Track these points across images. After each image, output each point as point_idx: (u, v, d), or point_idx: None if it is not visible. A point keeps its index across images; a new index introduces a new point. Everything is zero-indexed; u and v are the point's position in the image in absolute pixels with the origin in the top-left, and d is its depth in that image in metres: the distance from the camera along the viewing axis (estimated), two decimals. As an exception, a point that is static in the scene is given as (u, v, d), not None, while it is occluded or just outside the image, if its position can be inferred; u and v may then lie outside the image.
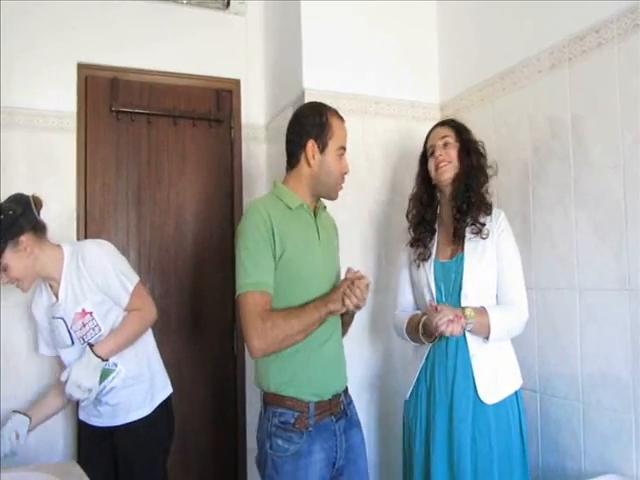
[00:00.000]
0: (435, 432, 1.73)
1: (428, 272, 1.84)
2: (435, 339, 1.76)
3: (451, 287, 1.79)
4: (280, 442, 1.58)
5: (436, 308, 1.66)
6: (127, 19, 2.48)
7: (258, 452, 1.65)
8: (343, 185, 1.74)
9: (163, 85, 2.57)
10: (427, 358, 1.81)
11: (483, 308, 1.73)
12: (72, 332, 1.90)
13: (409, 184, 2.38)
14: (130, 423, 1.92)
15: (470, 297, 1.75)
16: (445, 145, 1.85)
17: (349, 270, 1.60)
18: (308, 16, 2.34)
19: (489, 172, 1.87)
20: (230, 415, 2.61)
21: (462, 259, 1.78)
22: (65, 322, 1.90)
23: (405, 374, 1.94)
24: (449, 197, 1.86)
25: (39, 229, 1.87)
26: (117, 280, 1.89)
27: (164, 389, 2.02)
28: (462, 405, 1.71)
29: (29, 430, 1.87)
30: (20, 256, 1.81)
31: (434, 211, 1.94)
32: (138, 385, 1.93)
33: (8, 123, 2.26)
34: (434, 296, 1.80)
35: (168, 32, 2.56)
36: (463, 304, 1.74)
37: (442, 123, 1.96)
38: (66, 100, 2.37)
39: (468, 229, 1.79)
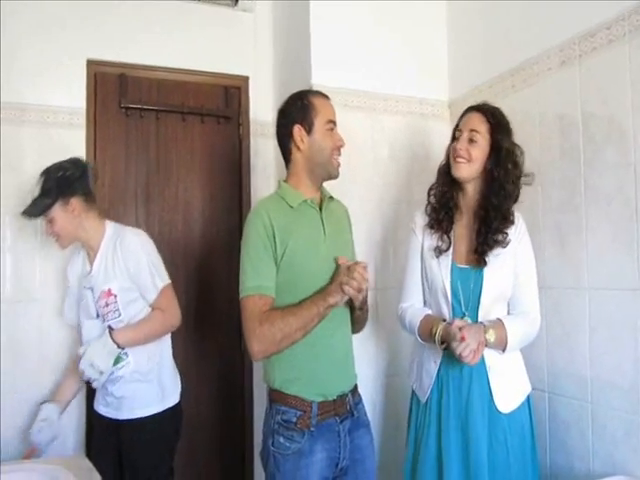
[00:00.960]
0: (449, 443, 1.69)
1: (445, 275, 1.74)
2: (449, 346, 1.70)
3: (469, 296, 1.72)
4: (282, 440, 1.58)
5: (463, 337, 1.57)
6: (136, 15, 2.49)
7: (262, 447, 1.65)
8: (340, 160, 1.70)
9: (172, 82, 2.57)
10: (440, 364, 1.75)
11: (500, 322, 1.68)
12: (96, 306, 1.94)
13: (417, 181, 2.37)
14: (135, 420, 1.92)
15: (486, 308, 1.71)
16: (471, 141, 1.72)
17: (340, 260, 1.59)
18: (317, 13, 2.33)
19: (523, 181, 1.77)
20: (237, 411, 2.62)
21: (482, 269, 1.71)
22: (93, 294, 1.94)
23: (411, 374, 1.93)
24: (471, 200, 1.78)
25: (90, 198, 1.96)
26: (148, 272, 1.92)
27: (172, 395, 1.99)
28: (478, 416, 1.68)
29: (60, 414, 1.97)
30: (67, 215, 1.91)
31: (456, 199, 1.81)
32: (144, 383, 1.93)
33: (19, 119, 2.27)
34: (450, 303, 1.73)
35: (177, 29, 2.56)
36: (480, 315, 1.70)
37: (479, 108, 1.76)
38: (76, 96, 2.37)
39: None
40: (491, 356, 1.70)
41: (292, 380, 1.61)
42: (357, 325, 1.78)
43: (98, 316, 1.94)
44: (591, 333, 1.83)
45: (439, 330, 1.68)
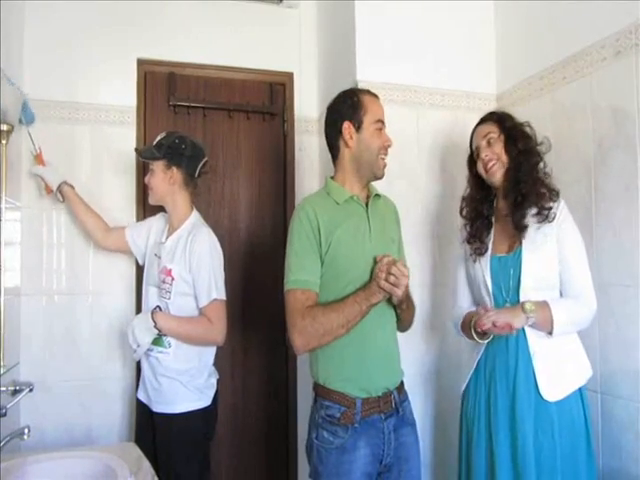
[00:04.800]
0: (497, 430, 1.69)
1: (484, 267, 1.79)
2: (489, 337, 1.72)
3: (509, 282, 1.74)
4: (326, 434, 1.59)
5: (485, 309, 1.67)
6: (183, 14, 2.53)
7: (307, 438, 1.67)
8: (386, 160, 1.71)
9: (218, 79, 2.62)
10: (484, 353, 1.78)
11: (545, 302, 1.67)
12: (158, 277, 2.01)
13: (462, 176, 2.33)
14: (163, 414, 1.95)
15: (530, 291, 1.70)
16: (489, 143, 1.81)
17: (378, 258, 1.60)
18: (362, 8, 2.32)
19: (541, 149, 1.80)
20: (281, 405, 2.65)
21: (520, 253, 1.73)
22: (159, 263, 2.02)
23: (460, 370, 1.91)
24: (503, 193, 1.83)
25: (190, 180, 2.07)
26: (207, 278, 1.95)
27: (203, 399, 1.98)
28: (524, 403, 1.67)
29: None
30: (164, 178, 2.04)
31: (490, 205, 1.89)
32: (176, 381, 1.94)
33: (73, 117, 2.36)
34: (490, 292, 1.76)
35: (223, 27, 2.60)
36: (522, 299, 1.70)
37: (482, 120, 1.89)
38: (127, 95, 2.44)
39: (533, 219, 1.73)
40: (536, 341, 1.69)
41: (335, 376, 1.62)
42: (402, 323, 1.77)
43: (157, 287, 2.02)
44: (647, 331, 1.76)
45: (473, 321, 1.72)
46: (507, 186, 1.79)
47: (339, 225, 1.63)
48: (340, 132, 1.69)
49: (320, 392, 1.64)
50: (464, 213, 1.92)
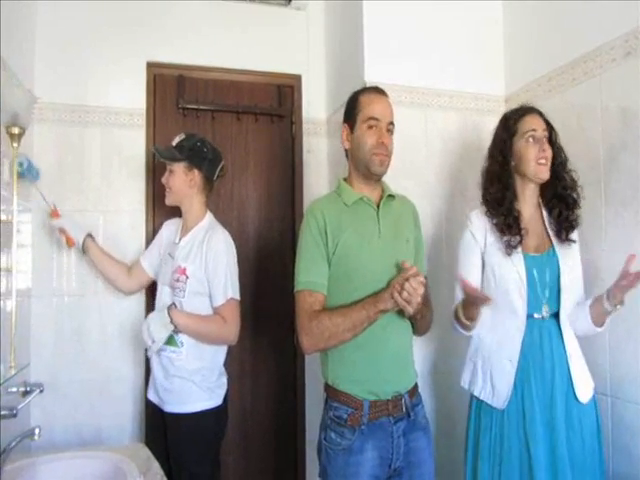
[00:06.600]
0: (535, 433, 1.66)
1: (520, 268, 1.72)
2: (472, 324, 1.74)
3: (546, 283, 1.73)
4: (333, 435, 1.59)
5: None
6: (191, 16, 2.54)
7: (318, 438, 1.67)
8: (382, 156, 1.65)
9: (227, 82, 2.63)
10: (519, 361, 1.71)
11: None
12: (172, 276, 2.02)
13: (470, 178, 2.33)
14: (174, 414, 1.96)
15: (568, 292, 1.72)
16: (548, 141, 1.76)
17: (404, 265, 1.55)
18: (370, 10, 2.32)
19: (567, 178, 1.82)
20: (290, 405, 2.65)
21: (555, 252, 1.75)
22: (172, 263, 2.03)
23: (473, 380, 1.88)
24: (533, 196, 1.82)
25: (208, 183, 2.11)
26: (223, 277, 1.97)
27: (214, 398, 1.99)
28: (561, 405, 1.67)
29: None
30: (184, 179, 2.06)
31: (513, 194, 1.79)
32: (189, 381, 1.95)
33: (84, 120, 2.37)
34: (525, 296, 1.70)
35: (231, 29, 2.61)
36: (563, 299, 1.71)
37: (540, 113, 1.80)
38: (136, 98, 2.45)
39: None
40: (571, 344, 1.72)
41: (343, 377, 1.62)
42: (418, 330, 1.76)
43: (170, 286, 2.03)
44: (657, 334, 1.75)
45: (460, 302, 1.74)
46: (547, 195, 1.81)
47: (347, 227, 1.63)
48: (342, 135, 1.73)
49: (329, 393, 1.65)
50: (488, 194, 1.81)
